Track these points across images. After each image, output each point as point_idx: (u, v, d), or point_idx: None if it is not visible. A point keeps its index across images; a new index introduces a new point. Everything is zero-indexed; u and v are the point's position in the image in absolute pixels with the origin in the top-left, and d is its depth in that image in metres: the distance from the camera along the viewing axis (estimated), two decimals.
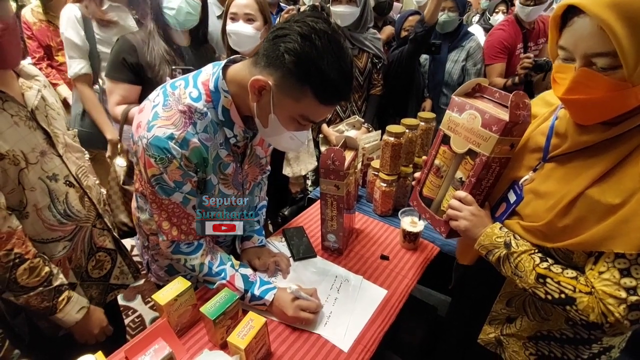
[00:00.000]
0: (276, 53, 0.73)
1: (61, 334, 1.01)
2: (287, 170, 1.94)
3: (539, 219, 0.73)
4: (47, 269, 0.89)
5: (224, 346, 0.86)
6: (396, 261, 1.18)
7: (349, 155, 1.08)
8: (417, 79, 2.19)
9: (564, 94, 0.66)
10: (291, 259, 1.16)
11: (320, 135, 2.02)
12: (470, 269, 0.97)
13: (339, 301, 1.02)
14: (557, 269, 0.71)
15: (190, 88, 0.83)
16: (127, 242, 1.29)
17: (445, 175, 0.91)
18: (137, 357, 0.76)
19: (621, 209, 0.63)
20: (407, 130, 1.35)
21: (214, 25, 1.75)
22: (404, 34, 2.16)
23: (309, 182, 2.47)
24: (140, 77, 1.39)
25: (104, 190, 1.22)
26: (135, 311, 1.98)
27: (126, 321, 1.89)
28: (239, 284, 0.95)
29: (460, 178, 0.85)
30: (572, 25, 0.64)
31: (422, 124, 1.43)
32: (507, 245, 0.76)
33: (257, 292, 0.95)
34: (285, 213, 1.87)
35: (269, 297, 0.95)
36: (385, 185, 1.36)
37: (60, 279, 0.92)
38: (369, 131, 1.80)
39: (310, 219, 1.37)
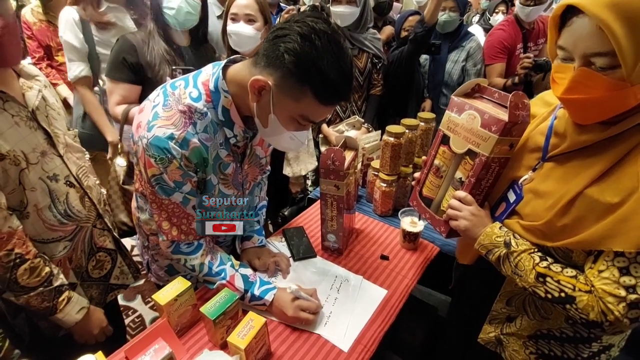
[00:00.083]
0: (276, 53, 0.73)
1: (61, 334, 1.01)
2: (287, 170, 1.94)
3: (539, 218, 0.74)
4: (47, 269, 0.89)
5: (224, 346, 0.86)
6: (396, 261, 1.18)
7: (349, 155, 1.08)
8: (417, 79, 2.19)
9: (563, 94, 0.66)
10: (291, 259, 1.16)
11: (320, 135, 2.02)
12: (470, 268, 0.97)
13: (339, 301, 1.02)
14: (556, 267, 0.71)
15: (190, 88, 0.83)
16: (127, 242, 1.29)
17: (444, 175, 0.91)
18: (137, 357, 0.76)
19: (620, 207, 0.63)
20: (407, 131, 1.35)
21: (214, 25, 1.75)
22: (404, 34, 2.16)
23: (309, 182, 2.47)
24: (141, 76, 1.39)
25: (104, 190, 1.22)
26: (135, 311, 1.98)
27: (126, 321, 1.89)
28: (239, 284, 0.95)
29: (460, 178, 0.86)
30: (571, 25, 0.64)
31: (422, 124, 1.43)
32: (507, 244, 0.76)
33: (257, 292, 0.95)
34: (285, 213, 1.87)
35: (268, 297, 0.95)
36: (385, 185, 1.36)
37: (61, 279, 0.92)
38: (369, 131, 1.80)
39: (310, 219, 1.37)
